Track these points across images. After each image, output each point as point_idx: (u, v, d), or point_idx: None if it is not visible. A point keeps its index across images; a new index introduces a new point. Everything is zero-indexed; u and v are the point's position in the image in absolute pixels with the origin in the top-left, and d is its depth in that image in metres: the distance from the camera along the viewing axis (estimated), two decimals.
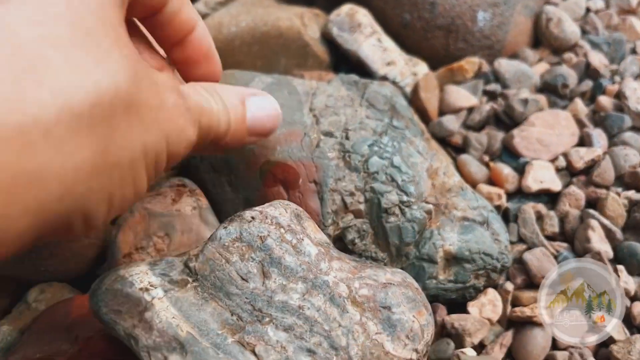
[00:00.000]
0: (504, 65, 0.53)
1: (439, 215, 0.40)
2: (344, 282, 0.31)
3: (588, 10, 0.60)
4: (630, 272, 0.39)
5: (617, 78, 0.52)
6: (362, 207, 0.39)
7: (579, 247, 0.41)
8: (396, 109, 0.45)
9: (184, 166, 0.45)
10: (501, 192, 0.44)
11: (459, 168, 0.47)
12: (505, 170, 0.45)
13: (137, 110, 0.24)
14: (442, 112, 0.51)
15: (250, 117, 0.33)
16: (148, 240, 0.38)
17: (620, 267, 0.39)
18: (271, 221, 0.31)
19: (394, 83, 0.53)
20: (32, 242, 0.22)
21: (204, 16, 0.59)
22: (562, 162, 0.46)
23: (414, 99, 0.51)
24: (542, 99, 0.50)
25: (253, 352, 0.28)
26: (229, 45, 0.55)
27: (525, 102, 0.48)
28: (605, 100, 0.49)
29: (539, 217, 0.43)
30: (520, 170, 0.46)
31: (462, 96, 0.51)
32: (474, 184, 0.46)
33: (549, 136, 0.47)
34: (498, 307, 0.39)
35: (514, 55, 0.56)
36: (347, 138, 0.41)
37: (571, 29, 0.55)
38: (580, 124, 0.48)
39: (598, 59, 0.54)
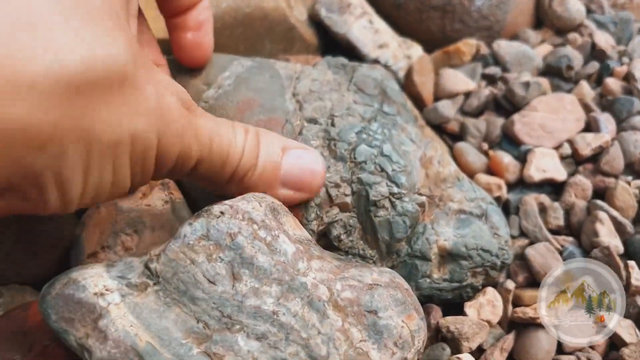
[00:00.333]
0: (504, 47, 0.50)
1: (432, 208, 0.36)
2: (324, 283, 0.28)
3: None
4: None
5: (625, 59, 0.49)
6: (348, 200, 0.35)
7: (586, 241, 0.37)
8: (387, 94, 0.41)
9: None
10: (501, 182, 0.41)
11: (456, 157, 0.44)
12: (506, 158, 0.42)
13: (131, 93, 0.24)
14: (437, 98, 0.48)
15: (285, 168, 0.32)
16: (115, 238, 0.35)
17: (632, 263, 0.36)
18: (243, 216, 0.28)
19: (387, 67, 0.49)
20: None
21: None
22: (567, 149, 0.42)
23: (407, 84, 0.48)
24: (545, 82, 0.46)
25: None
26: None
27: (526, 85, 0.45)
28: (613, 83, 0.46)
29: (542, 209, 0.40)
30: (522, 158, 0.42)
31: (459, 80, 0.48)
32: (471, 174, 0.42)
33: (553, 122, 0.43)
34: (498, 307, 0.36)
35: (514, 37, 0.52)
36: (332, 125, 0.37)
37: (576, 8, 0.52)
38: (587, 108, 0.45)
39: (604, 40, 0.50)
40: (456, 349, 0.34)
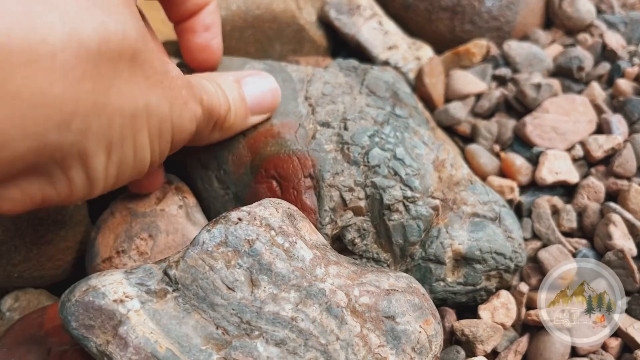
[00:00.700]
0: (514, 47, 0.49)
1: (446, 212, 0.36)
2: (342, 289, 0.28)
3: None
4: None
5: (636, 60, 0.49)
6: (362, 203, 0.35)
7: (599, 243, 0.37)
8: (399, 97, 0.41)
9: (170, 163, 0.42)
10: (513, 184, 0.41)
11: (468, 159, 0.44)
12: (518, 160, 0.42)
13: (141, 66, 0.24)
14: (448, 99, 0.48)
15: (249, 95, 0.34)
16: (130, 243, 0.35)
17: None
18: (260, 223, 0.28)
19: (396, 68, 0.49)
20: (24, 170, 0.22)
21: None
22: (579, 151, 0.42)
23: (417, 85, 0.48)
24: (555, 83, 0.46)
25: None
26: None
27: (538, 87, 0.45)
28: (624, 84, 0.46)
29: (555, 212, 0.40)
30: (534, 160, 0.42)
31: (469, 81, 0.48)
32: (483, 177, 0.42)
33: (565, 123, 0.43)
34: (512, 310, 0.36)
35: (524, 37, 0.52)
36: (345, 128, 0.37)
37: (586, 8, 0.52)
38: (598, 109, 0.45)
39: (615, 40, 0.50)
40: (471, 352, 0.34)
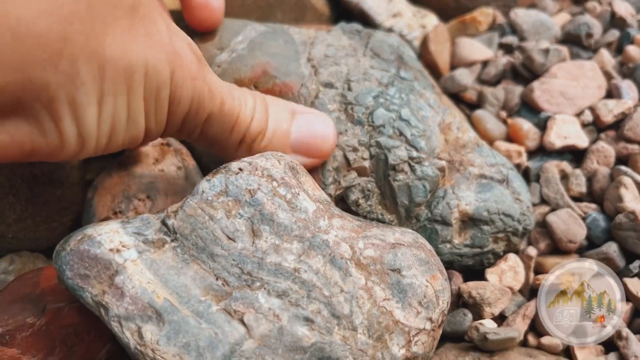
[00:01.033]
0: (521, 15, 0.48)
1: (452, 173, 0.35)
2: (346, 241, 0.27)
3: None
4: None
5: None
6: (366, 164, 0.34)
7: (609, 207, 0.36)
8: (404, 60, 0.40)
9: None
10: (521, 149, 0.40)
11: (474, 125, 0.43)
12: (525, 125, 0.41)
13: (142, 21, 0.23)
14: (453, 67, 0.47)
15: (295, 131, 0.32)
16: (127, 204, 0.34)
17: None
18: (262, 173, 0.27)
19: (401, 36, 0.48)
20: (10, 108, 0.21)
21: None
22: (588, 116, 0.41)
23: (422, 53, 0.47)
24: (564, 49, 0.45)
25: (241, 321, 0.24)
26: None
27: (546, 52, 0.44)
28: (633, 50, 0.44)
29: (564, 177, 0.39)
30: (542, 125, 0.41)
31: (475, 49, 0.46)
32: (490, 142, 0.41)
33: (573, 88, 0.42)
34: (520, 274, 0.35)
35: (531, 5, 0.51)
36: (349, 89, 0.36)
37: None
38: (608, 75, 0.43)
39: (624, 8, 0.49)
40: (478, 315, 0.33)
